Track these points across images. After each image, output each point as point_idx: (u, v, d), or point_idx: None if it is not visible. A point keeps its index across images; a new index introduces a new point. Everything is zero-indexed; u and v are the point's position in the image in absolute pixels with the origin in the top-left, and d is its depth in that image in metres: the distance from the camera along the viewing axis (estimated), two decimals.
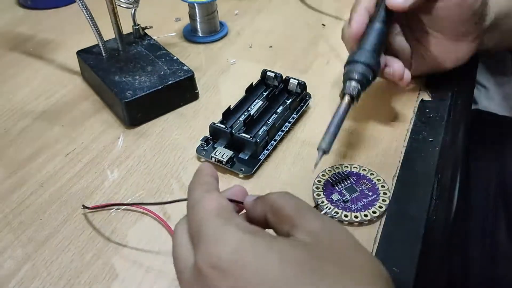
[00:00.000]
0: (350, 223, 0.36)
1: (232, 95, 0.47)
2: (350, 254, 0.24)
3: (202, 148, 0.43)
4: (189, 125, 0.47)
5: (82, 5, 0.46)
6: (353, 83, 0.39)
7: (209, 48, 0.58)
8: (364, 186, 0.38)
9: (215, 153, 0.41)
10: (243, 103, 0.46)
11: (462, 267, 0.52)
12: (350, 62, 0.40)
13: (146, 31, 0.53)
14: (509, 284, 0.50)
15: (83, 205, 0.38)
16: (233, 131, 0.42)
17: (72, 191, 0.40)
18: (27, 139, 0.45)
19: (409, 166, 0.41)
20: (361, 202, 0.37)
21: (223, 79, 0.53)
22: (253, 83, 0.48)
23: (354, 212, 0.36)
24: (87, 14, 0.47)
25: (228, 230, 0.24)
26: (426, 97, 0.49)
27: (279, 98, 0.47)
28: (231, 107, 0.45)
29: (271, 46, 0.57)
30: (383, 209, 0.37)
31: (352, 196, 0.38)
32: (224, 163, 0.41)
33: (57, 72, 0.54)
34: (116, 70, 0.48)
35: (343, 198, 0.38)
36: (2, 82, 0.53)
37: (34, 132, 0.46)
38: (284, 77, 0.48)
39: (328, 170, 0.40)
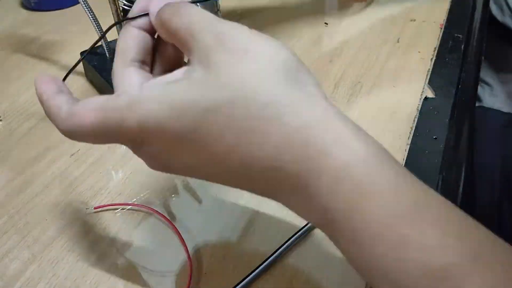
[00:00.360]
0: None
1: None
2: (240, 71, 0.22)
3: None
4: None
5: (85, 6, 0.47)
6: None
7: None
8: None
9: None
10: None
11: None
12: None
13: None
14: None
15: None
16: None
17: (77, 192, 0.40)
18: (32, 140, 0.46)
19: (413, 164, 0.41)
20: None
21: None
22: None
23: None
24: (91, 15, 0.47)
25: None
26: (430, 94, 0.48)
27: None
28: None
29: None
30: None
31: None
32: None
33: (62, 73, 0.54)
34: None
35: None
36: (7, 83, 0.54)
37: (39, 133, 0.46)
38: None
39: None
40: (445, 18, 0.60)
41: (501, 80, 0.73)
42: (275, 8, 0.65)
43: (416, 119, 0.45)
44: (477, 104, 0.66)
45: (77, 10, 0.66)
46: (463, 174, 0.43)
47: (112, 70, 0.26)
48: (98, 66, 0.50)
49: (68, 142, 0.45)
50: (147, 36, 0.27)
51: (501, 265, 0.19)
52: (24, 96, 0.51)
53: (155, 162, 0.25)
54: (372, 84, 0.50)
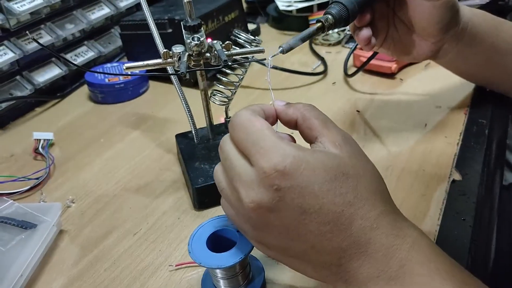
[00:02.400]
0: None
1: None
2: (362, 162, 0.35)
3: None
4: None
5: (183, 101, 0.55)
6: (329, 16, 0.47)
7: None
8: None
9: None
10: None
11: None
12: (333, 1, 0.48)
13: None
14: None
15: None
16: None
17: (139, 268, 0.45)
18: (100, 220, 0.52)
19: (443, 244, 0.43)
20: None
21: None
22: None
23: None
24: (186, 106, 0.55)
25: (285, 146, 0.32)
26: (457, 177, 0.52)
27: None
28: None
29: None
30: None
31: None
32: None
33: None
34: (199, 157, 0.54)
35: None
36: (78, 170, 0.60)
37: (105, 214, 0.52)
38: None
39: None
40: (469, 104, 0.65)
41: None
42: (313, 97, 0.72)
43: (444, 201, 0.49)
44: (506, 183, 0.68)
45: (134, 103, 0.75)
46: (492, 254, 0.45)
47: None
48: (184, 149, 0.56)
49: (131, 222, 0.51)
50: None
51: None
52: (93, 181, 0.58)
53: None
54: (402, 168, 0.54)
